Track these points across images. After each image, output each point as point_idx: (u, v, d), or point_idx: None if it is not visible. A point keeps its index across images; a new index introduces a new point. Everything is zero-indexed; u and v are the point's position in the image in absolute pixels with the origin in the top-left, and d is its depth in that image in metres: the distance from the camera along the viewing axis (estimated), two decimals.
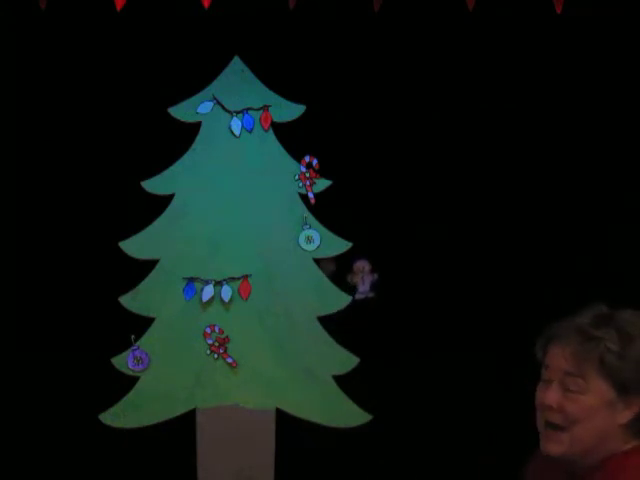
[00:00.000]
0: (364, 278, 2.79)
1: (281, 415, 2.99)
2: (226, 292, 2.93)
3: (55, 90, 2.90)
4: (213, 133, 2.96)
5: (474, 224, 2.94)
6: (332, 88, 2.91)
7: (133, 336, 2.94)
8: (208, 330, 2.94)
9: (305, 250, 2.97)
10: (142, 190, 2.93)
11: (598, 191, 2.94)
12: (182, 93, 2.93)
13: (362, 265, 2.77)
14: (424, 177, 2.96)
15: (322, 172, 2.97)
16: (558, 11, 2.48)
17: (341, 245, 2.98)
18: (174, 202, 2.97)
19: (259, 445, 3.00)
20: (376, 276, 2.72)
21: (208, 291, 2.93)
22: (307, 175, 2.96)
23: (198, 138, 2.96)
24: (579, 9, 2.70)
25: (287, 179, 2.98)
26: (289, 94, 2.95)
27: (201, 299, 2.93)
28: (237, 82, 2.95)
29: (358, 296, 2.79)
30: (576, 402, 1.50)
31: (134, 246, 2.95)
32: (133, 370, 2.94)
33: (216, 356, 2.95)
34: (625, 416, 1.51)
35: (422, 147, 2.94)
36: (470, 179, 2.95)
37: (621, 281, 2.84)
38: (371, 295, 2.78)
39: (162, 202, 2.96)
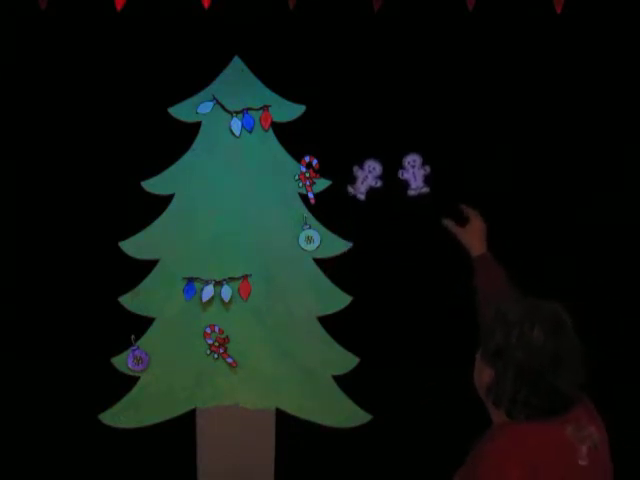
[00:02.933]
0: (415, 173, 2.65)
1: (281, 415, 3.00)
2: (226, 292, 2.93)
3: (55, 90, 2.90)
4: (213, 133, 2.96)
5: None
6: (332, 88, 2.91)
7: (133, 336, 2.94)
8: (208, 330, 2.94)
9: (305, 250, 2.97)
10: (142, 190, 2.94)
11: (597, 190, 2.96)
12: (182, 93, 2.93)
13: (413, 159, 2.62)
14: (424, 177, 2.96)
15: (322, 172, 2.97)
16: (558, 11, 2.48)
17: (341, 245, 2.98)
18: (174, 202, 2.97)
19: (259, 445, 3.01)
20: (428, 169, 2.55)
21: (208, 291, 2.93)
22: (307, 175, 2.96)
23: (198, 138, 2.96)
24: (579, 9, 2.70)
25: (287, 179, 2.98)
26: (289, 94, 2.95)
27: (201, 299, 2.93)
28: (237, 82, 2.95)
29: (411, 192, 2.64)
30: None
31: (134, 246, 2.95)
32: (133, 370, 2.94)
33: (216, 356, 2.95)
34: (485, 380, 1.78)
35: (422, 147, 2.94)
36: (470, 178, 2.95)
37: None
38: (425, 190, 2.62)
39: (162, 202, 2.97)
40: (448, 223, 2.46)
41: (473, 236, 2.38)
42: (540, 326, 1.71)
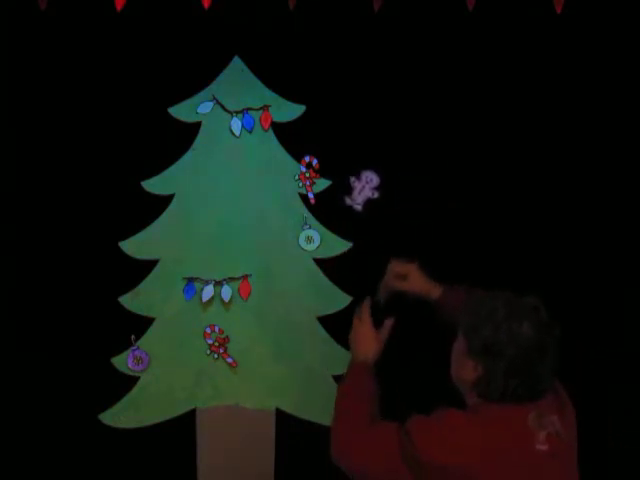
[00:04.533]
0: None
1: (281, 415, 3.00)
2: (226, 292, 2.93)
3: (55, 90, 2.90)
4: (213, 133, 2.96)
5: (476, 222, 2.94)
6: (332, 88, 2.91)
7: (133, 336, 2.94)
8: (208, 330, 2.95)
9: (305, 250, 2.97)
10: (142, 190, 2.94)
11: (597, 191, 2.96)
12: (182, 93, 2.93)
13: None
14: (424, 176, 2.96)
15: (322, 172, 2.97)
16: (558, 11, 2.48)
17: (341, 245, 2.98)
18: (174, 202, 2.97)
19: (259, 445, 3.01)
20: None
21: (208, 291, 2.93)
22: (307, 175, 2.97)
23: (198, 138, 2.96)
24: (579, 9, 2.70)
25: (287, 179, 2.98)
26: (289, 94, 2.95)
27: (201, 299, 2.93)
28: (237, 82, 2.95)
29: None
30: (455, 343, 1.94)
31: (134, 246, 2.95)
32: (133, 370, 2.94)
33: (216, 356, 2.95)
34: (470, 374, 1.85)
35: (422, 146, 2.94)
36: (471, 177, 2.96)
37: None
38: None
39: (162, 202, 2.96)
40: (394, 282, 2.43)
41: (422, 284, 2.39)
42: (528, 322, 1.80)
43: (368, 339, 2.18)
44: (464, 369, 1.88)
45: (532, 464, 1.80)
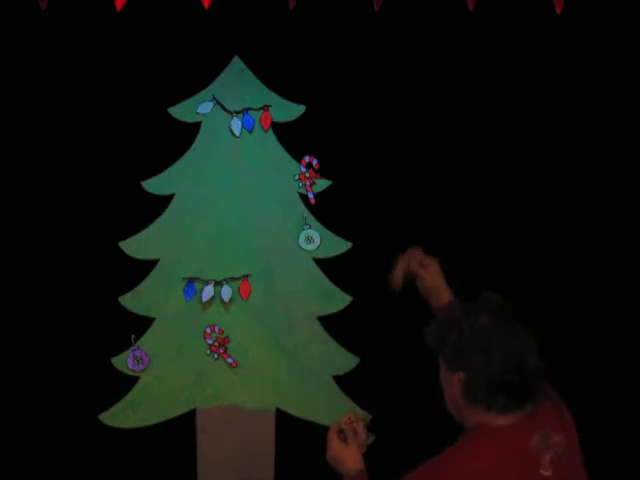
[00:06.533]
0: None
1: (281, 415, 3.00)
2: (226, 292, 2.93)
3: (55, 90, 2.90)
4: (213, 133, 2.96)
5: (475, 223, 2.94)
6: (332, 88, 2.91)
7: (133, 336, 2.94)
8: (208, 330, 2.95)
9: (305, 250, 2.97)
10: (142, 190, 2.94)
11: (597, 192, 2.96)
12: (182, 93, 2.93)
13: None
14: (424, 177, 2.96)
15: (322, 172, 2.97)
16: (558, 11, 2.48)
17: (341, 245, 2.98)
18: (174, 202, 2.97)
19: (259, 445, 3.01)
20: None
21: (208, 291, 2.93)
22: (307, 175, 2.97)
23: (198, 138, 2.96)
24: (579, 9, 2.70)
25: (287, 179, 2.98)
26: (289, 94, 2.95)
27: (201, 299, 2.93)
28: (237, 82, 2.95)
29: None
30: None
31: (134, 246, 2.95)
32: (133, 370, 2.94)
33: (216, 356, 2.95)
34: (458, 387, 1.80)
35: (422, 147, 2.95)
36: (470, 178, 2.96)
37: None
38: None
39: (162, 202, 2.97)
40: (417, 268, 2.25)
41: (440, 281, 2.23)
42: (484, 311, 1.78)
43: (346, 454, 2.14)
44: (452, 387, 1.83)
45: None
